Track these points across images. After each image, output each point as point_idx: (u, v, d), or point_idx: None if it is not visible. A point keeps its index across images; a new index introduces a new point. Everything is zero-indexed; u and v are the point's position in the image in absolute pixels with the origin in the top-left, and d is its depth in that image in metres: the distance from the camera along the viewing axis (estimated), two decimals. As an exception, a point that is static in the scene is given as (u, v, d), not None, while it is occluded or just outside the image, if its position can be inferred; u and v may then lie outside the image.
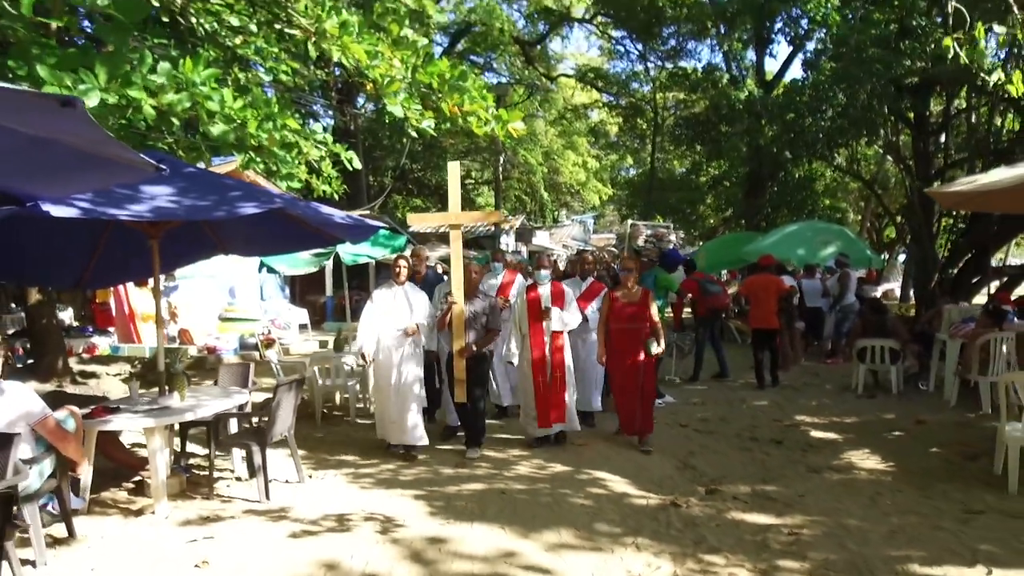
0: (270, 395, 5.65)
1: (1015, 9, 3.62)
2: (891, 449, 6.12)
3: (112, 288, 11.73)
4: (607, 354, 6.39)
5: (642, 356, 6.24)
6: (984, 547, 3.97)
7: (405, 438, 6.03)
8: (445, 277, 7.44)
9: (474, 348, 6.08)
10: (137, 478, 5.41)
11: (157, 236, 5.17)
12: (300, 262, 12.29)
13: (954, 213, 14.95)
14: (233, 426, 5.59)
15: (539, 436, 6.23)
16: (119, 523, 4.60)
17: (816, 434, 6.77)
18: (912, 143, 15.90)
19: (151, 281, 13.22)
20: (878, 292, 18.47)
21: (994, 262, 14.37)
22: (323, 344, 12.44)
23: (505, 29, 26.28)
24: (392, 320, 6.09)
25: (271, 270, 13.59)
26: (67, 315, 11.81)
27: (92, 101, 4.47)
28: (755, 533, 4.27)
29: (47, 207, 3.78)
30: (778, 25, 18.40)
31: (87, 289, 9.49)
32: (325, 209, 5.36)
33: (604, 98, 28.69)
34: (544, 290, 6.30)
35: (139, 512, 4.79)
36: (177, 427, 5.60)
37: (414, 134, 7.45)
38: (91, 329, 11.48)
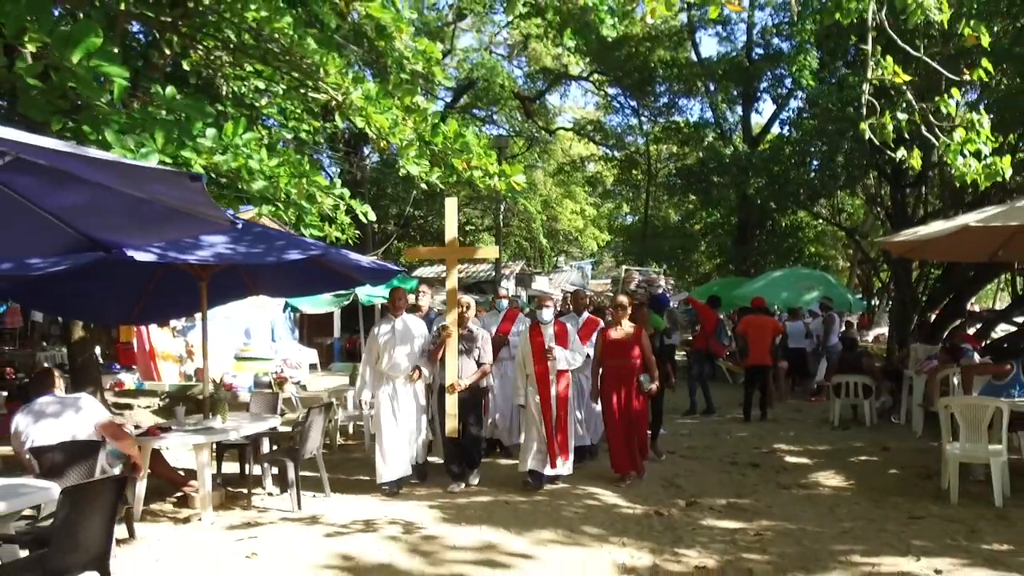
0: (297, 420, 6.37)
1: (910, 96, 4.47)
2: (855, 471, 6.81)
3: (135, 328, 12.50)
4: (601, 391, 6.46)
5: (635, 393, 6.33)
6: (919, 543, 4.66)
7: (405, 469, 6.09)
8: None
9: (464, 385, 6.13)
10: (179, 493, 6.07)
11: (206, 278, 5.95)
12: (322, 303, 13.10)
13: (932, 261, 15.81)
14: (265, 446, 6.30)
15: (547, 475, 6.16)
16: (170, 528, 5.27)
17: (790, 459, 7.44)
18: (891, 194, 16.85)
19: (172, 323, 13.95)
20: (870, 336, 19.26)
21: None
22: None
23: (506, 85, 27.54)
24: (390, 352, 6.15)
25: (294, 309, 14.40)
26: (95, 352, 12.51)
27: (152, 161, 5.28)
28: (725, 534, 4.95)
29: (131, 252, 4.56)
30: (763, 84, 19.59)
31: (137, 324, 10.23)
32: (353, 255, 6.16)
33: (600, 150, 29.87)
34: (548, 330, 6.28)
35: (187, 519, 5.46)
36: (213, 448, 6.30)
37: (424, 186, 8.32)
38: (117, 366, 12.18)
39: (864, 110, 4.41)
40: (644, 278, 15.16)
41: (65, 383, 9.25)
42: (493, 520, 5.24)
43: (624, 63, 21.88)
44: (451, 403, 6.14)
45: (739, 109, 22.03)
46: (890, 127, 4.29)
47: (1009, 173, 4.26)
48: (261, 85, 10.45)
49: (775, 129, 20.07)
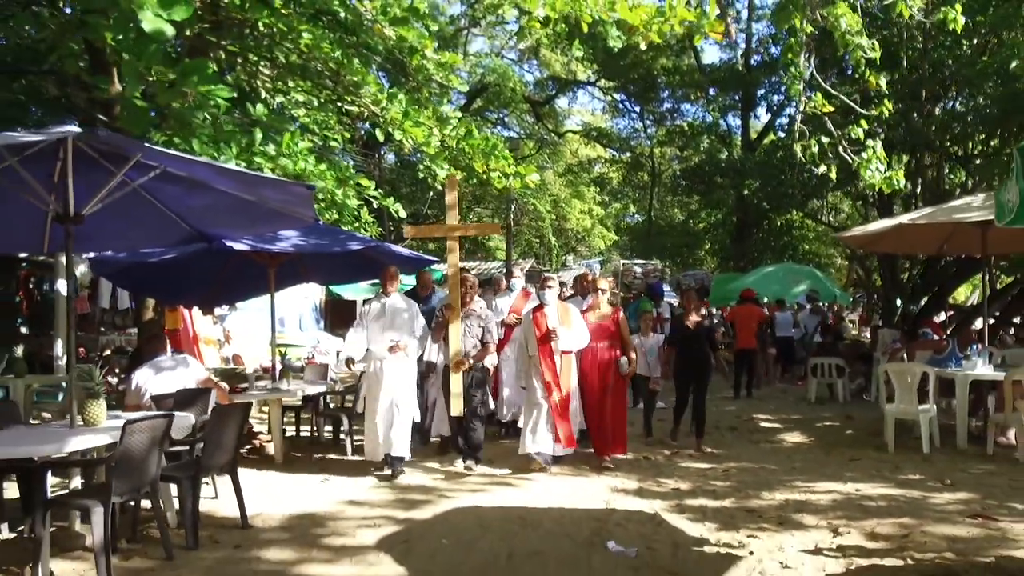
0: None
1: (830, 125, 5.68)
2: (817, 432, 8.02)
3: (181, 315, 13.81)
4: (579, 374, 6.29)
5: (613, 375, 6.28)
6: (851, 474, 5.87)
7: (390, 449, 5.92)
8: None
9: (470, 362, 6.14)
10: (248, 445, 7.32)
11: (274, 266, 7.20)
12: (360, 290, 14.37)
13: (919, 257, 16.96)
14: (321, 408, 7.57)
15: (557, 455, 6.11)
16: (251, 470, 6.52)
17: (765, 424, 8.64)
18: (877, 194, 17.99)
19: (216, 310, 15.26)
20: (868, 332, 20.39)
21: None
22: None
23: (517, 89, 28.80)
24: (379, 331, 6.04)
25: (335, 295, 15.78)
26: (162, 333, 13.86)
27: (230, 166, 6.53)
28: (699, 471, 6.17)
29: (228, 242, 5.83)
30: (760, 92, 20.75)
31: (211, 305, 11.49)
32: (394, 247, 7.41)
33: (607, 152, 31.07)
34: (550, 311, 6.20)
35: (265, 462, 6.72)
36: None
37: (439, 186, 9.59)
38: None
39: (796, 135, 5.63)
40: (643, 271, 16.31)
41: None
42: (500, 475, 6.41)
43: (629, 70, 23.09)
44: (455, 382, 6.11)
45: (738, 114, 23.19)
46: (815, 148, 5.49)
47: (903, 182, 5.45)
48: (300, 98, 11.73)
49: (772, 135, 21.19)
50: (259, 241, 6.09)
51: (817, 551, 4.05)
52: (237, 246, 5.87)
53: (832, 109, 5.55)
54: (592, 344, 6.29)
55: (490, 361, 6.40)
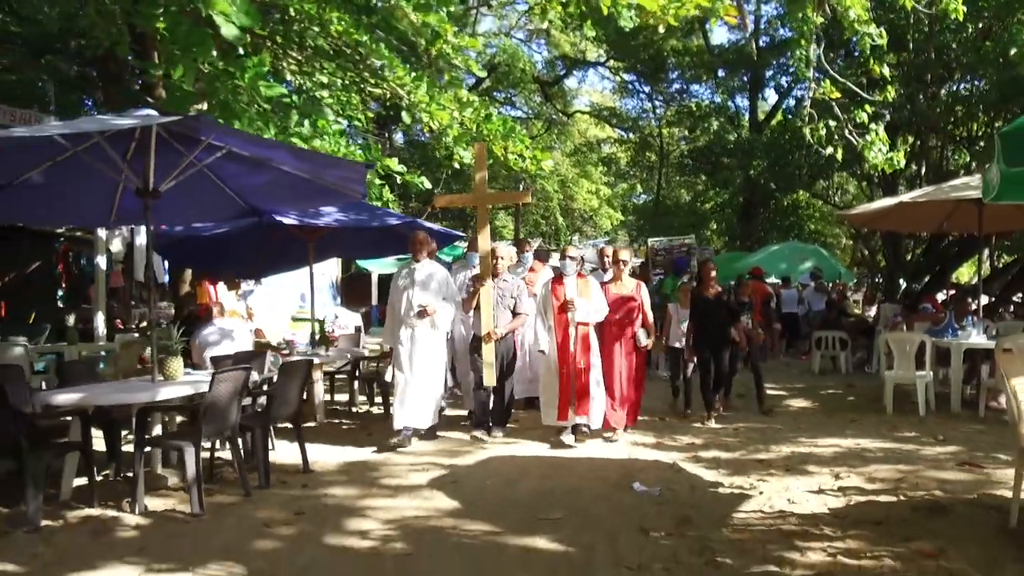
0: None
1: (837, 110, 6.11)
2: (820, 399, 8.53)
3: (208, 291, 14.36)
4: (600, 346, 6.23)
5: (633, 348, 6.32)
6: (852, 432, 6.38)
7: (417, 421, 5.86)
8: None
9: (500, 333, 6.13)
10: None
11: (313, 240, 7.69)
12: (387, 264, 14.86)
13: (920, 235, 17.39)
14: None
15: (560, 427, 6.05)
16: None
17: (771, 392, 9.10)
18: (882, 175, 18.38)
19: (243, 284, 15.79)
20: (872, 311, 20.90)
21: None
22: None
23: (526, 70, 29.07)
24: (408, 298, 5.96)
25: (363, 270, 16.28)
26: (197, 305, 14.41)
27: (299, 145, 7.00)
28: (711, 430, 6.68)
29: (278, 217, 6.31)
30: (769, 73, 21.03)
31: (252, 278, 12.00)
32: (425, 223, 7.88)
33: (616, 132, 31.35)
34: (569, 282, 6.14)
35: (305, 421, 7.25)
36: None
37: (456, 165, 10.05)
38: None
39: (805, 118, 6.08)
40: (664, 248, 16.50)
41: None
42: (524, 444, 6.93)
43: (639, 51, 23.34)
44: (488, 352, 6.09)
45: (747, 94, 23.47)
46: (822, 131, 5.95)
47: (903, 163, 5.90)
48: (324, 79, 12.16)
49: (779, 116, 21.49)
50: (304, 216, 6.57)
51: (820, 491, 4.56)
52: (287, 220, 6.35)
53: (839, 95, 6.00)
54: (613, 316, 6.24)
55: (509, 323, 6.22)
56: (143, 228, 10.63)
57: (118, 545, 3.71)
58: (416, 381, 5.87)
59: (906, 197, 7.10)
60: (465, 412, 6.97)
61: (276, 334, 15.96)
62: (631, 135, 29.58)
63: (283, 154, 5.24)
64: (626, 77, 27.53)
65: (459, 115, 9.64)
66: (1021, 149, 3.48)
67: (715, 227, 28.04)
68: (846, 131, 5.87)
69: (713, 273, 7.27)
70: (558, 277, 6.24)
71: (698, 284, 7.33)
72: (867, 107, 5.80)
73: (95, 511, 4.24)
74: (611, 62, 28.12)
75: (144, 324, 13.07)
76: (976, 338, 7.44)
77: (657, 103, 26.79)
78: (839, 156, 6.13)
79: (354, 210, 6.98)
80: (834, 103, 6.00)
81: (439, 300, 5.99)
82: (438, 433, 6.28)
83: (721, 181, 21.71)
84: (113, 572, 3.32)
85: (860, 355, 11.73)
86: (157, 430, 4.99)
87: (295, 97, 7.35)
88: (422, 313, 5.87)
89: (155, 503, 4.40)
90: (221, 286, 15.07)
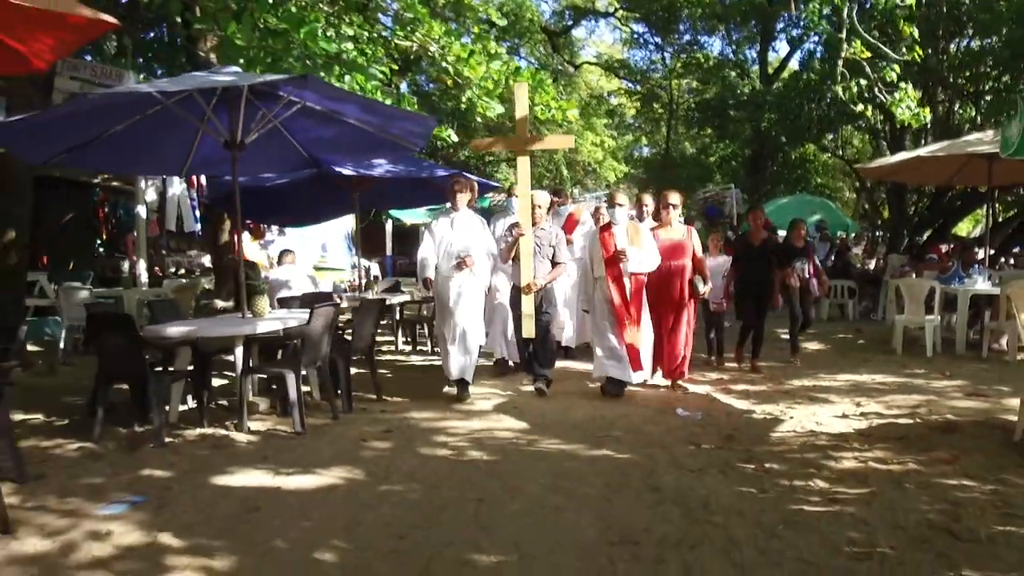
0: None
1: (868, 69, 6.50)
2: (832, 342, 9.10)
3: (233, 241, 14.84)
4: (647, 294, 5.94)
5: (688, 295, 6.07)
6: (865, 369, 6.95)
7: (460, 373, 5.76)
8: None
9: (540, 284, 5.96)
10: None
11: (358, 190, 8.10)
12: (418, 214, 15.27)
13: (924, 189, 17.81)
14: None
15: (634, 381, 5.89)
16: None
17: (784, 336, 9.69)
18: (890, 128, 18.70)
19: (267, 234, 16.22)
20: (871, 264, 21.48)
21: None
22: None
23: (534, 19, 28.93)
24: (446, 248, 5.82)
25: (396, 219, 16.76)
26: (207, 259, 14.82)
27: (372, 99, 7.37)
28: (736, 368, 7.23)
29: (337, 169, 6.73)
30: (780, 25, 21.10)
31: (297, 225, 12.42)
32: (471, 176, 8.30)
33: (623, 84, 31.36)
34: (620, 231, 5.81)
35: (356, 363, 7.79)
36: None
37: (479, 119, 10.41)
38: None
39: (838, 77, 6.47)
40: (703, 197, 16.50)
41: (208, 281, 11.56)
42: (574, 398, 7.50)
43: (651, 1, 23.32)
44: (527, 303, 5.95)
45: (757, 47, 23.52)
46: (854, 89, 6.36)
47: (929, 118, 6.31)
48: (350, 32, 12.39)
49: (793, 63, 21.63)
50: (359, 166, 6.99)
51: (844, 416, 5.13)
52: (344, 171, 6.77)
53: (869, 55, 6.39)
54: (665, 263, 5.92)
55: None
56: (175, 179, 11.06)
57: (241, 456, 4.26)
58: (459, 335, 5.72)
59: (923, 151, 7.54)
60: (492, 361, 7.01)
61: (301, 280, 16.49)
62: (639, 87, 29.63)
63: (353, 107, 5.64)
64: (636, 28, 27.45)
65: (488, 69, 9.96)
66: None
67: (719, 179, 28.38)
68: (875, 89, 6.28)
69: (761, 220, 7.10)
70: (607, 225, 5.88)
71: (743, 233, 7.10)
72: (896, 66, 6.20)
73: (207, 431, 4.78)
74: (621, 12, 28.03)
75: (181, 271, 13.57)
76: (981, 285, 7.97)
77: (667, 54, 26.80)
78: (869, 114, 6.51)
79: (403, 162, 7.39)
80: (864, 63, 6.40)
81: (479, 250, 5.83)
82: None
83: (730, 134, 21.96)
84: (248, 475, 3.87)
85: (865, 303, 12.29)
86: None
87: (351, 51, 7.67)
88: (461, 264, 5.72)
89: (254, 425, 4.94)
90: (245, 235, 15.54)
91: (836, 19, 6.55)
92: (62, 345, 7.97)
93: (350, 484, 3.71)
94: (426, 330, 7.92)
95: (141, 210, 11.22)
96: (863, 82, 6.21)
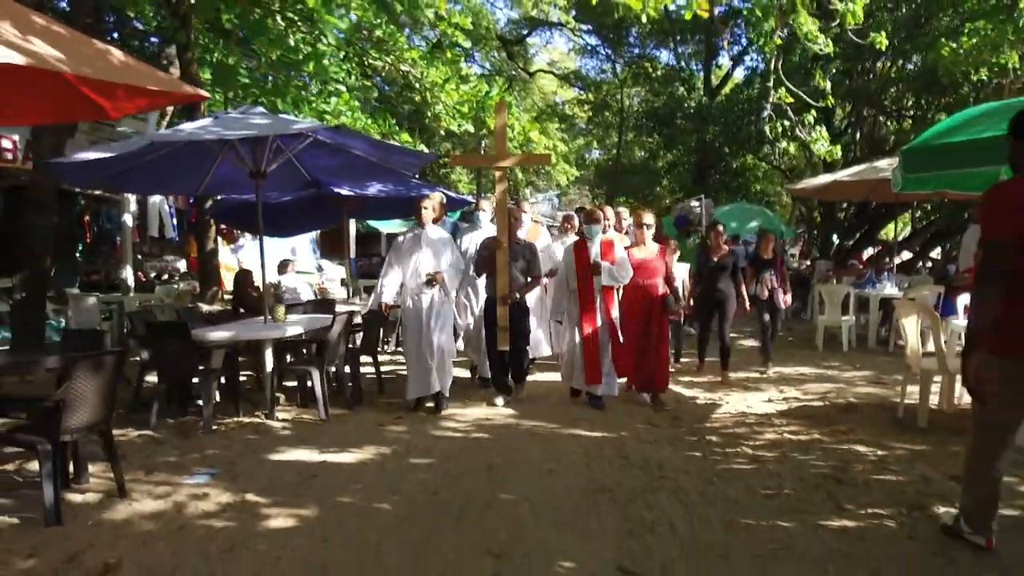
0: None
1: (791, 113, 7.73)
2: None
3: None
4: (622, 311, 6.26)
5: (659, 313, 6.23)
6: (791, 362, 8.15)
7: (433, 387, 5.84)
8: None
9: (516, 296, 6.09)
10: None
11: (348, 207, 8.96)
12: (394, 224, 16.01)
13: (853, 200, 19.45)
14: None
15: (589, 392, 6.11)
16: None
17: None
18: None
19: (240, 240, 16.80)
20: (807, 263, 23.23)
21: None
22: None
23: (490, 28, 29.90)
24: (415, 265, 5.89)
25: (372, 228, 17.52)
26: (181, 264, 15.36)
27: (377, 139, 8.27)
28: (681, 363, 8.36)
29: (336, 189, 7.61)
30: (724, 41, 22.55)
31: (293, 235, 13.09)
32: (447, 192, 9.24)
33: (576, 91, 32.57)
34: (594, 246, 6.07)
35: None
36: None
37: (442, 132, 11.46)
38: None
39: (767, 120, 7.64)
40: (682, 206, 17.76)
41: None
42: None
43: (601, 15, 24.53)
44: (503, 315, 6.08)
45: (702, 60, 24.98)
46: (779, 129, 7.54)
47: (839, 154, 7.50)
48: (328, 49, 13.16)
49: (732, 83, 23.11)
50: (354, 187, 7.87)
51: (769, 401, 6.29)
52: (341, 191, 7.65)
53: (793, 101, 7.58)
54: (638, 280, 6.17)
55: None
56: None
57: (283, 439, 5.15)
58: (429, 349, 5.79)
59: (842, 175, 8.84)
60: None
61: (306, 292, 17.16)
62: (591, 94, 30.88)
63: (360, 143, 6.55)
64: (591, 41, 28.66)
65: (459, 91, 10.95)
66: (915, 164, 5.13)
67: (667, 184, 29.84)
68: (797, 130, 7.47)
69: (722, 237, 7.43)
70: (582, 241, 6.16)
71: (706, 247, 7.45)
72: (813, 111, 7.38)
73: (243, 419, 5.64)
74: (573, 23, 29.22)
75: (165, 276, 14.13)
76: (889, 290, 9.31)
77: (618, 65, 28.10)
78: (791, 149, 7.71)
79: (391, 182, 8.28)
80: (788, 107, 7.60)
81: (446, 266, 5.89)
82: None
83: (677, 143, 23.36)
84: (296, 452, 4.77)
85: (796, 304, 13.67)
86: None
87: (350, 79, 8.53)
88: (431, 281, 5.81)
89: (281, 414, 5.81)
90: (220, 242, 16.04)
91: (767, 33, 7.58)
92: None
93: (382, 458, 4.66)
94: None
95: (127, 219, 11.82)
96: (786, 123, 7.39)
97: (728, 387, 6.92)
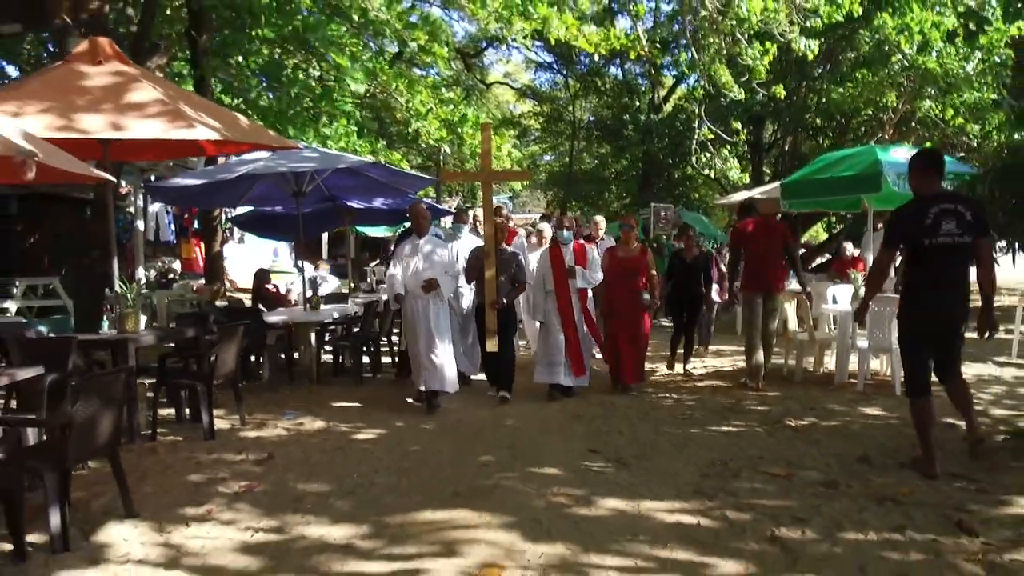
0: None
1: (710, 147, 9.77)
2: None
3: (195, 248, 16.81)
4: (605, 307, 7.09)
5: (639, 310, 6.79)
6: (718, 342, 10.19)
7: (442, 385, 6.31)
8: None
9: (504, 301, 6.49)
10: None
11: (350, 216, 10.63)
12: (381, 228, 17.45)
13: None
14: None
15: (570, 385, 6.66)
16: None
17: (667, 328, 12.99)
18: (752, 157, 22.74)
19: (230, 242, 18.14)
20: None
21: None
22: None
23: (449, 42, 31.64)
24: (413, 270, 6.32)
25: (357, 232, 18.97)
26: (176, 265, 16.69)
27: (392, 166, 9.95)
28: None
29: (347, 202, 9.33)
30: (666, 60, 24.81)
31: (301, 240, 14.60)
32: (428, 201, 11.00)
33: (530, 102, 34.58)
34: (567, 250, 6.63)
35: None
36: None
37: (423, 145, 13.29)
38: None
39: (695, 149, 9.68)
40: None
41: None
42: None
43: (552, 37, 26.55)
44: (491, 320, 6.45)
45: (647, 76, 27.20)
46: (704, 160, 9.57)
47: (748, 180, 9.59)
48: (316, 73, 14.74)
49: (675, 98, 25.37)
50: (363, 201, 9.60)
51: (695, 368, 8.27)
52: (356, 204, 9.39)
53: (713, 137, 9.60)
54: (620, 279, 6.75)
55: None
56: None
57: (336, 395, 6.87)
58: (431, 349, 6.25)
59: (756, 191, 10.96)
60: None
61: (248, 285, 18.49)
62: (545, 107, 32.92)
63: (376, 169, 8.30)
64: (544, 57, 30.66)
65: (439, 112, 12.69)
66: (791, 193, 7.26)
67: (615, 190, 32.06)
68: (718, 159, 9.47)
69: (692, 240, 8.14)
70: (555, 245, 6.69)
71: (678, 250, 8.19)
72: (728, 146, 9.39)
73: (294, 385, 7.35)
74: (526, 40, 31.18)
75: (171, 275, 15.52)
76: (794, 286, 11.45)
77: (569, 79, 30.20)
78: (712, 175, 9.74)
79: (390, 195, 10.01)
80: (709, 142, 9.61)
81: (442, 273, 6.31)
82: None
83: (624, 153, 25.51)
84: (344, 405, 6.50)
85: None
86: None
87: (352, 109, 10.23)
88: (428, 287, 6.21)
89: (316, 388, 7.50)
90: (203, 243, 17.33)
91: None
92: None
93: (411, 406, 6.44)
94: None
95: (139, 224, 13.24)
96: (707, 155, 9.40)
97: (663, 362, 8.88)
